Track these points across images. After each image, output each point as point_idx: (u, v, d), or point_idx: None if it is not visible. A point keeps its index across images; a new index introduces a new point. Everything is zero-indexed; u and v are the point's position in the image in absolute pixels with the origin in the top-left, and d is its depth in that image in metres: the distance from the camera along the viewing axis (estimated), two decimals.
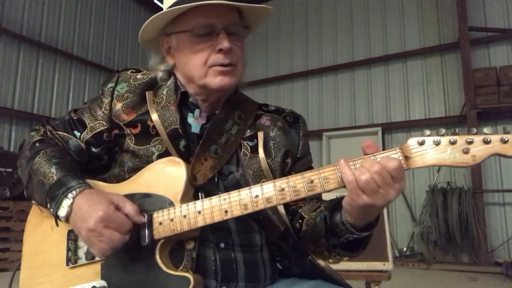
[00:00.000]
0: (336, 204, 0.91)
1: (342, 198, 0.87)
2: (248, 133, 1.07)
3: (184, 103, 1.06)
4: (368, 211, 0.81)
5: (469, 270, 5.39)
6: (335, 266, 1.02)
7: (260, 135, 1.06)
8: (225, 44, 0.96)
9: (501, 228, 5.96)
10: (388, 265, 2.08)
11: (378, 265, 2.09)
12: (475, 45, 6.41)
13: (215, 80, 0.99)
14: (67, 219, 0.90)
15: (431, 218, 5.98)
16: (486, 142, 0.75)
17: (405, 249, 6.34)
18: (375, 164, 0.76)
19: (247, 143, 1.05)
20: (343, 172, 0.79)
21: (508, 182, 6.00)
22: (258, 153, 1.03)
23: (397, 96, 7.20)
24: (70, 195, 0.89)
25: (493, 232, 5.93)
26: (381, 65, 7.43)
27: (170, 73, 1.09)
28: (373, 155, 0.80)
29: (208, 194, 0.94)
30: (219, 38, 0.97)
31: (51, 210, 0.92)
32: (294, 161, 1.09)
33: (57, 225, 0.95)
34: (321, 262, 0.98)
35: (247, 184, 0.99)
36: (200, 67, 0.99)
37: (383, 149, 0.80)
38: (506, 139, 0.74)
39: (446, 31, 6.86)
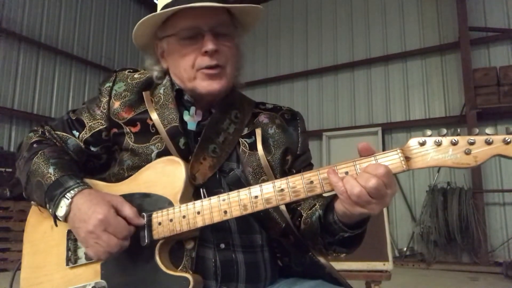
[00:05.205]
0: (329, 202, 0.92)
1: (334, 196, 0.88)
2: (246, 131, 1.07)
3: (179, 101, 1.06)
4: (361, 215, 0.81)
5: (469, 270, 5.39)
6: (335, 266, 1.02)
7: (258, 132, 1.06)
8: (209, 46, 0.96)
9: (501, 228, 5.95)
10: (388, 265, 2.08)
11: (378, 265, 2.09)
12: (475, 45, 6.40)
13: (203, 84, 1.00)
14: (65, 219, 0.90)
15: (431, 218, 5.98)
16: (488, 143, 0.73)
17: (405, 249, 6.33)
18: (370, 178, 0.74)
19: (245, 141, 1.05)
20: (332, 181, 0.79)
21: (508, 182, 6.00)
22: (257, 150, 1.03)
23: (397, 96, 7.20)
24: (68, 195, 0.89)
25: (493, 232, 5.93)
26: (381, 65, 7.42)
27: (165, 72, 1.09)
28: (374, 156, 0.79)
29: (210, 192, 0.94)
30: (204, 40, 0.97)
31: (50, 210, 0.92)
32: (294, 158, 1.09)
33: (56, 225, 0.94)
34: (321, 259, 0.98)
35: (247, 181, 0.99)
36: (189, 70, 1.00)
37: (383, 149, 0.79)
38: (509, 140, 0.72)
39: (446, 31, 6.86)
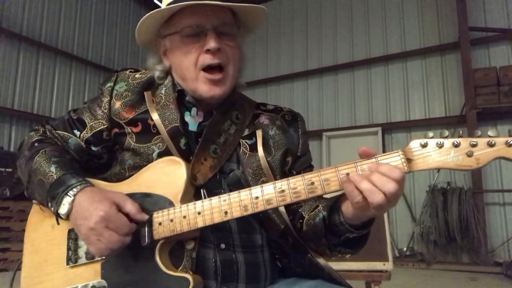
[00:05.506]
0: (334, 203, 0.91)
1: (339, 197, 0.88)
2: (247, 132, 1.07)
3: (181, 101, 1.06)
4: (370, 216, 0.82)
5: (469, 270, 5.39)
6: (335, 267, 1.02)
7: (259, 133, 1.06)
8: (212, 44, 0.96)
9: (501, 228, 5.95)
10: (388, 265, 2.08)
11: (378, 265, 2.09)
12: (475, 45, 6.40)
13: (204, 89, 1.00)
14: (67, 216, 0.90)
15: (431, 218, 5.97)
16: (491, 145, 0.73)
17: (405, 249, 6.33)
18: (388, 183, 0.73)
19: (246, 142, 1.05)
20: (347, 191, 0.78)
21: (508, 182, 6.00)
22: (257, 151, 1.03)
23: (397, 96, 7.20)
24: (71, 193, 0.89)
25: (493, 232, 5.93)
26: (381, 65, 7.42)
27: (167, 72, 1.09)
28: (375, 157, 0.79)
29: (211, 192, 0.94)
30: (207, 38, 0.97)
31: (52, 208, 0.92)
32: (295, 159, 1.09)
33: (58, 223, 0.95)
34: (320, 261, 0.98)
35: (247, 182, 0.99)
36: (192, 68, 1.00)
37: (383, 149, 0.78)
38: (511, 142, 0.72)
39: (446, 31, 6.85)
